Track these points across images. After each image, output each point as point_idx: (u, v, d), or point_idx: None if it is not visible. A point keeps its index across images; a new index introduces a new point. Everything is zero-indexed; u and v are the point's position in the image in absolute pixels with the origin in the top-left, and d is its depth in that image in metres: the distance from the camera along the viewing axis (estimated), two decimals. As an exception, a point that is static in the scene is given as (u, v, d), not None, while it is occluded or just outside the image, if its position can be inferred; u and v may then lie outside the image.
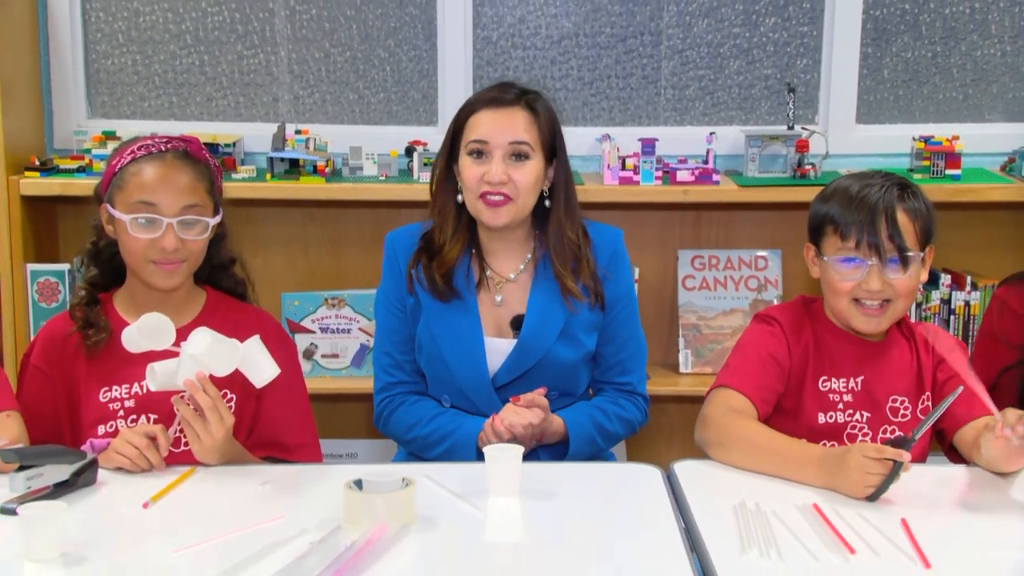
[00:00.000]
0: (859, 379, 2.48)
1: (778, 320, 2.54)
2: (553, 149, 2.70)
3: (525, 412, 2.52)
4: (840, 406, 2.47)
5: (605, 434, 2.71)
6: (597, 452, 2.72)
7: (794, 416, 2.48)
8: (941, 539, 2.00)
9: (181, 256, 2.43)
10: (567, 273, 2.69)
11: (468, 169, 2.64)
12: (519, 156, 2.64)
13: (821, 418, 2.47)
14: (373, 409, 2.81)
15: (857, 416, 2.47)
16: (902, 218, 2.38)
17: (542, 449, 2.66)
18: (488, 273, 2.74)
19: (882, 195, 2.39)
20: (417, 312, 2.72)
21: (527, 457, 2.36)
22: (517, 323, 2.72)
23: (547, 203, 2.71)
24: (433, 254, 2.70)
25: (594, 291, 2.71)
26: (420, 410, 2.71)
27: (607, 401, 2.76)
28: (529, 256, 2.75)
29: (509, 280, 2.75)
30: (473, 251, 2.74)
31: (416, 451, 2.73)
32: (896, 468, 2.12)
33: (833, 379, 2.48)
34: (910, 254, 2.39)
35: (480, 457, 2.45)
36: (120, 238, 2.46)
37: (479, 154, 2.63)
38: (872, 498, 2.14)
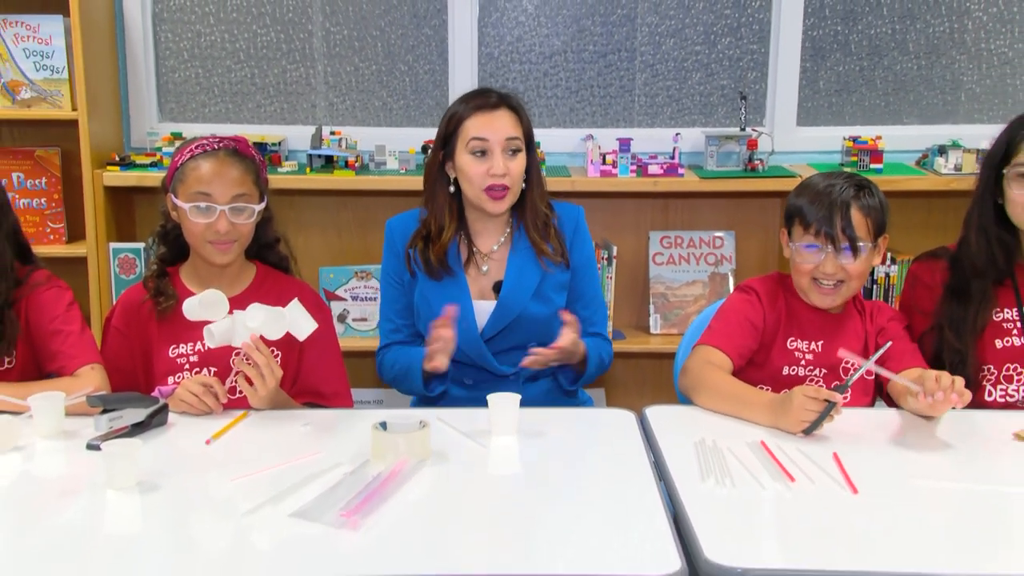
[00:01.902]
0: (819, 342, 2.49)
1: (756, 290, 2.55)
2: (529, 141, 2.70)
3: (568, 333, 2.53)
4: (802, 363, 2.48)
5: (600, 364, 2.72)
6: (589, 379, 2.72)
7: (764, 368, 2.50)
8: (868, 470, 2.01)
9: (232, 237, 2.44)
10: (540, 239, 2.70)
11: (472, 166, 2.62)
12: (514, 151, 2.63)
13: (786, 371, 2.49)
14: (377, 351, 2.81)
15: (816, 372, 2.48)
16: (855, 213, 2.39)
17: (560, 371, 2.70)
18: (474, 250, 2.74)
19: (840, 193, 2.40)
20: (414, 285, 2.72)
21: (530, 396, 2.42)
22: (497, 287, 2.72)
23: (523, 185, 2.70)
24: (429, 239, 2.69)
25: (560, 253, 2.72)
26: (409, 351, 2.70)
27: (599, 341, 2.78)
28: (507, 231, 2.75)
29: (492, 252, 2.74)
30: (461, 233, 2.73)
31: (401, 391, 2.77)
32: (828, 408, 2.13)
33: (799, 340, 2.50)
34: (861, 244, 2.39)
35: (429, 381, 2.59)
36: (182, 222, 2.46)
37: (481, 152, 2.62)
38: (807, 432, 2.15)
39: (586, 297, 2.78)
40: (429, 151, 2.75)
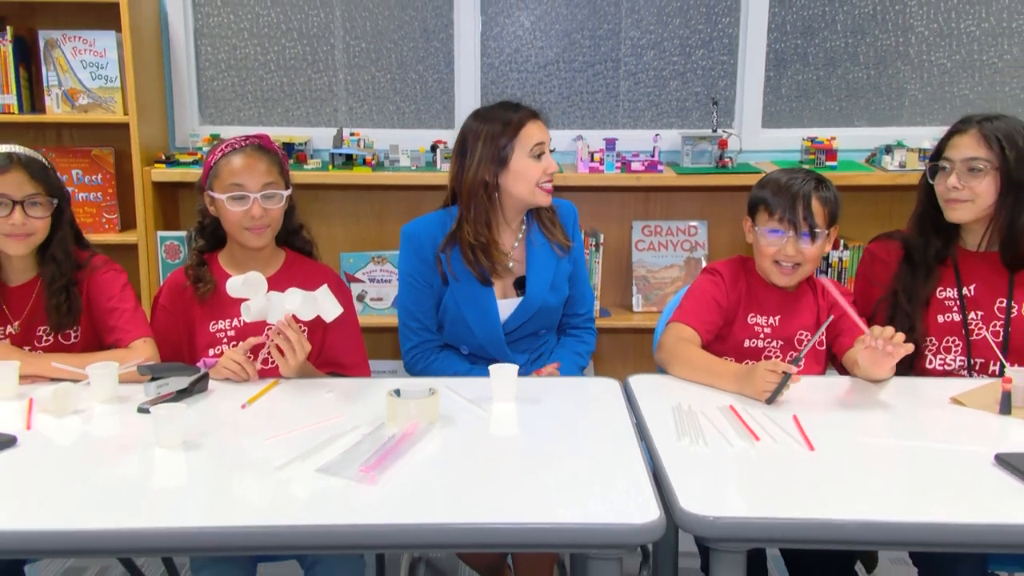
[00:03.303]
0: (776, 317, 2.48)
1: (720, 272, 2.55)
2: None
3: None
4: (761, 336, 2.48)
5: (578, 366, 2.77)
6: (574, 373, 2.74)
7: (728, 340, 2.50)
8: (823, 429, 2.02)
9: (265, 222, 2.44)
10: (553, 230, 2.71)
11: (534, 167, 2.58)
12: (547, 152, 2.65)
13: (747, 343, 2.49)
14: (403, 353, 2.76)
15: (773, 343, 2.48)
16: (815, 204, 2.39)
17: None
18: (500, 250, 2.68)
19: (802, 186, 2.40)
20: (444, 289, 2.67)
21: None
22: (519, 283, 2.71)
23: None
24: (475, 245, 2.62)
25: (566, 245, 2.73)
26: (452, 366, 2.69)
27: (580, 343, 2.80)
28: (523, 228, 2.74)
29: (512, 250, 2.72)
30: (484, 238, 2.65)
31: None
32: (785, 378, 2.14)
33: (758, 316, 2.49)
34: (818, 230, 2.39)
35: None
36: (220, 213, 2.46)
37: (539, 155, 2.61)
38: (769, 400, 2.16)
39: (580, 283, 2.80)
40: (473, 166, 2.59)
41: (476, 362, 2.72)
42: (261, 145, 2.49)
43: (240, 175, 2.42)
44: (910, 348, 2.19)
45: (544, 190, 2.62)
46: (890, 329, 2.21)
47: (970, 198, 2.40)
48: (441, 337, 2.75)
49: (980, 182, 2.39)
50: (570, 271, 2.75)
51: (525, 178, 2.59)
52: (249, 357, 2.34)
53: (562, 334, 2.84)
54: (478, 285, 2.65)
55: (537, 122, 2.63)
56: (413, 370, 2.75)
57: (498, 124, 2.59)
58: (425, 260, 2.68)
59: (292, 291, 2.29)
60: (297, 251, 2.62)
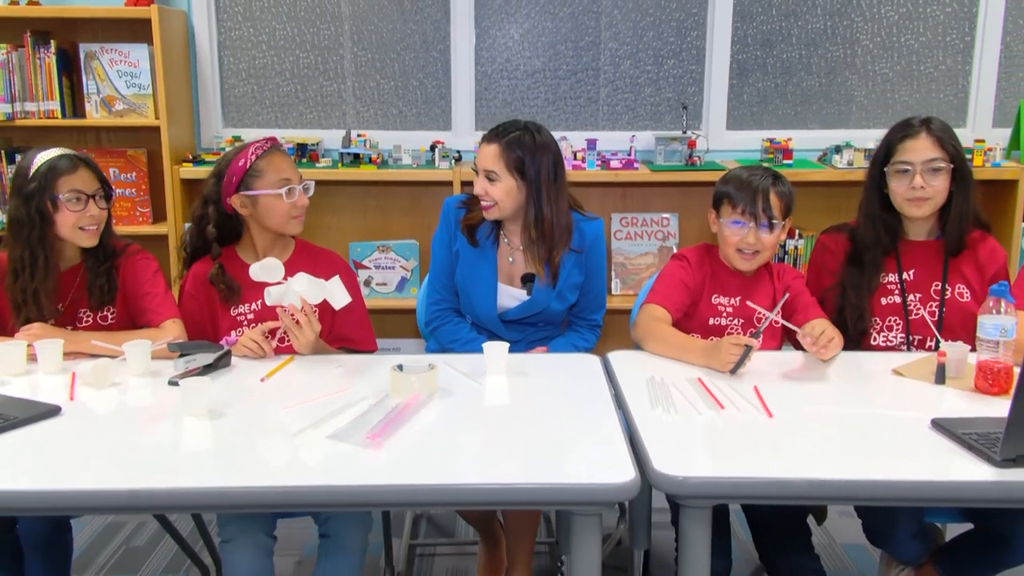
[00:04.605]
0: (738, 298, 2.47)
1: (687, 258, 2.53)
2: (522, 172, 2.51)
3: None
4: (724, 315, 2.47)
5: (574, 350, 2.69)
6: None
7: (694, 319, 2.48)
8: (780, 398, 2.02)
9: (305, 209, 2.45)
10: (546, 258, 2.59)
11: (477, 184, 2.55)
12: (490, 179, 2.54)
13: (712, 321, 2.48)
14: (421, 314, 2.71)
15: (735, 321, 2.47)
16: (773, 197, 2.38)
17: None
18: (505, 240, 2.65)
19: (761, 182, 2.39)
20: (457, 256, 2.65)
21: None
22: (527, 278, 2.65)
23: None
24: (469, 211, 2.64)
25: (564, 264, 2.61)
26: (459, 332, 2.66)
27: (580, 339, 2.71)
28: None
29: (520, 248, 2.64)
30: (496, 226, 2.63)
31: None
32: (747, 351, 2.14)
33: (721, 297, 2.48)
34: (776, 221, 2.39)
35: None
36: (264, 209, 2.40)
37: (476, 171, 2.56)
38: (732, 371, 2.16)
39: (591, 294, 2.71)
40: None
41: (482, 332, 2.68)
42: (278, 145, 2.48)
43: (286, 171, 2.41)
44: (838, 347, 2.21)
45: (483, 208, 2.56)
46: (820, 327, 2.21)
47: (932, 195, 2.40)
48: (457, 300, 2.71)
49: (939, 180, 2.40)
50: (580, 283, 2.67)
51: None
52: (267, 338, 2.33)
53: (567, 328, 2.78)
54: (482, 260, 2.62)
55: (482, 144, 2.56)
56: (428, 327, 2.73)
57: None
58: (449, 226, 2.67)
59: (299, 275, 2.28)
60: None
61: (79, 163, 2.34)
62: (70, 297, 2.40)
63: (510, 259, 2.67)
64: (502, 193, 2.53)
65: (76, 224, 2.33)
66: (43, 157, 2.34)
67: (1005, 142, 3.91)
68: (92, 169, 2.37)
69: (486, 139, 2.56)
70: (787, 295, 2.38)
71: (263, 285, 2.29)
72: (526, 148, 2.51)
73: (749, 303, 2.38)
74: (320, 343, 2.38)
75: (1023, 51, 3.95)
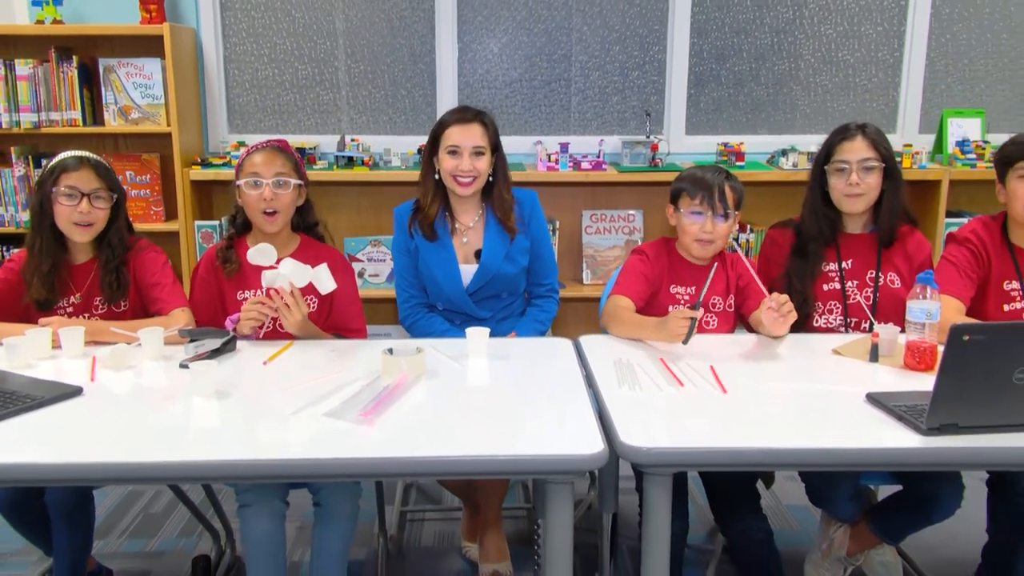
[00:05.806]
0: (693, 287, 2.47)
1: (646, 252, 2.52)
2: (495, 146, 2.65)
3: None
4: (682, 302, 2.46)
5: (539, 331, 2.72)
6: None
7: (655, 307, 2.47)
8: (733, 376, 2.03)
9: (276, 207, 2.39)
10: (504, 217, 2.67)
11: (447, 162, 2.60)
12: (479, 153, 2.60)
13: (671, 309, 2.46)
14: (399, 311, 2.75)
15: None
16: (727, 190, 2.38)
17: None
18: (457, 225, 2.69)
19: (716, 177, 2.39)
20: (417, 253, 2.68)
21: (500, 331, 2.44)
22: (478, 254, 2.68)
23: (491, 179, 2.66)
24: (421, 212, 2.67)
25: (511, 230, 2.67)
26: (432, 325, 2.67)
27: (540, 312, 2.74)
28: (480, 211, 2.71)
29: (469, 227, 2.70)
30: (446, 211, 2.68)
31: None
32: (693, 322, 2.14)
33: (679, 286, 2.47)
34: (729, 212, 2.39)
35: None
36: (243, 199, 2.42)
37: (454, 153, 2.59)
38: (684, 342, 2.15)
39: (542, 259, 2.75)
40: (423, 150, 2.69)
41: (452, 319, 2.69)
42: (278, 146, 2.45)
43: (257, 166, 2.39)
44: (794, 316, 2.22)
45: (458, 183, 2.60)
46: (784, 297, 2.22)
47: (865, 191, 2.42)
48: (427, 297, 2.72)
49: (873, 177, 2.41)
50: (527, 246, 2.71)
51: (444, 169, 2.62)
52: (262, 303, 2.28)
53: (528, 304, 2.81)
54: (440, 248, 2.64)
55: (467, 126, 2.60)
56: (406, 323, 2.73)
57: (441, 119, 2.66)
58: (403, 228, 2.70)
59: (286, 260, 2.27)
60: (311, 236, 2.58)
61: (84, 163, 2.33)
62: (86, 288, 2.38)
63: (464, 239, 2.70)
64: (486, 166, 2.62)
65: (69, 218, 2.32)
66: (60, 155, 2.37)
67: (930, 147, 3.94)
68: (97, 171, 2.34)
69: (463, 120, 2.61)
70: (716, 265, 2.36)
71: (261, 271, 2.27)
72: (494, 126, 2.67)
73: (715, 298, 2.36)
74: (309, 324, 2.35)
75: (945, 66, 3.98)
